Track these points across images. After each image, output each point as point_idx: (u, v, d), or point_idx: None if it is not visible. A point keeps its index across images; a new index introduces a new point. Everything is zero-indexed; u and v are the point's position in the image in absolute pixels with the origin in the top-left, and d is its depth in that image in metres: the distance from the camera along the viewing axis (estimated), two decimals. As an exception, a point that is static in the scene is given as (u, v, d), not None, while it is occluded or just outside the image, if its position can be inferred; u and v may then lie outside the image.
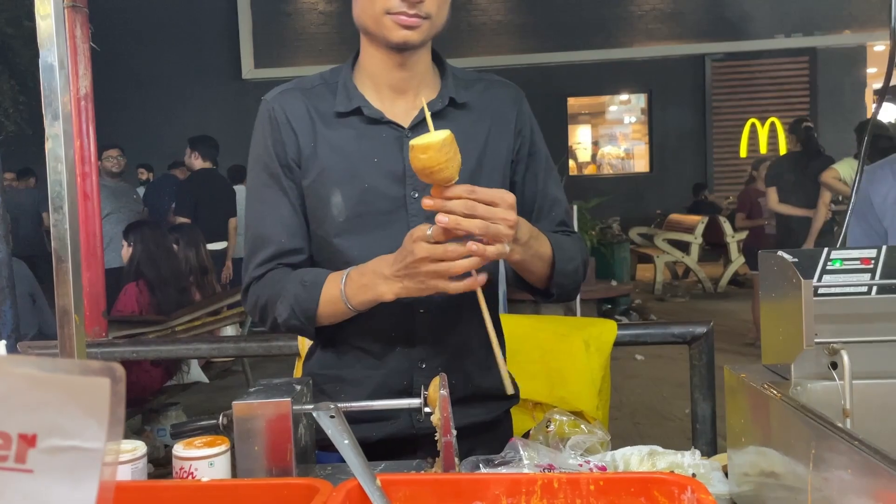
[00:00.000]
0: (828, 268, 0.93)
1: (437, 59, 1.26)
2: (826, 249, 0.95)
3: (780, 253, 0.93)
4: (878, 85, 13.03)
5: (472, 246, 1.00)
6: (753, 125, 11.70)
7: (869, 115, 12.16)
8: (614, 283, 7.05)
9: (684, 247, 8.93)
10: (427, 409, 1.03)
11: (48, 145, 1.12)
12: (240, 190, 6.44)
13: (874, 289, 0.89)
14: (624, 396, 4.95)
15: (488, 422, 1.27)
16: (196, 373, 3.87)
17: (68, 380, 0.37)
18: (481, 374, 1.24)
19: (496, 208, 1.00)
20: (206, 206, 5.78)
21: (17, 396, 0.37)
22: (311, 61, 11.95)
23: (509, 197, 1.01)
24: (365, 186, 1.18)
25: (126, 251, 3.67)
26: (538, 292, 1.26)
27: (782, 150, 11.05)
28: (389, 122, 1.19)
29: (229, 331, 4.36)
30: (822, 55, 11.56)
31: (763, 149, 11.45)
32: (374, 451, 1.11)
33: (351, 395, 1.19)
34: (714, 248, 9.19)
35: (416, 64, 1.20)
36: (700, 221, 8.81)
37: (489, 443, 1.22)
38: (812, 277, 0.90)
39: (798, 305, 0.86)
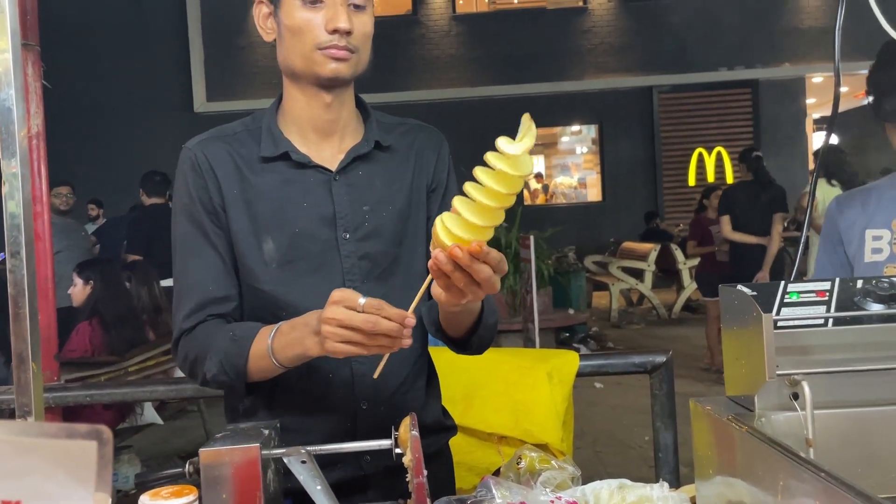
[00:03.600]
0: (786, 301, 0.96)
1: (361, 105, 1.27)
2: (783, 283, 0.99)
3: (739, 287, 0.96)
4: (817, 115, 13.58)
5: (386, 323, 0.94)
6: (701, 154, 12.04)
7: (810, 144, 12.64)
8: (571, 311, 7.11)
9: (638, 274, 9.09)
10: (398, 451, 1.02)
11: (5, 188, 1.09)
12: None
13: (830, 321, 0.92)
14: (585, 425, 4.97)
15: (431, 454, 1.27)
16: (150, 414, 3.77)
17: (54, 444, 0.36)
18: (421, 408, 1.25)
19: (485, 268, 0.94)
20: (158, 242, 5.68)
21: (1, 463, 0.36)
22: (264, 94, 11.92)
23: (504, 265, 0.96)
24: (295, 231, 1.17)
25: (80, 289, 3.58)
26: (455, 343, 1.21)
27: (729, 179, 11.38)
28: (317, 166, 1.19)
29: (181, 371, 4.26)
30: (763, 87, 12.01)
31: (710, 177, 11.77)
32: (380, 483, 1.13)
33: (295, 441, 1.17)
34: (667, 274, 9.37)
35: (342, 106, 1.21)
36: (653, 249, 8.98)
37: (435, 472, 1.21)
38: (771, 311, 0.93)
39: (759, 338, 0.88)
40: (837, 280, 0.98)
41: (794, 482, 0.74)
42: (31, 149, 2.21)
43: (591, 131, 12.79)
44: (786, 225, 5.06)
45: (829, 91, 1.27)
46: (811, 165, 11.63)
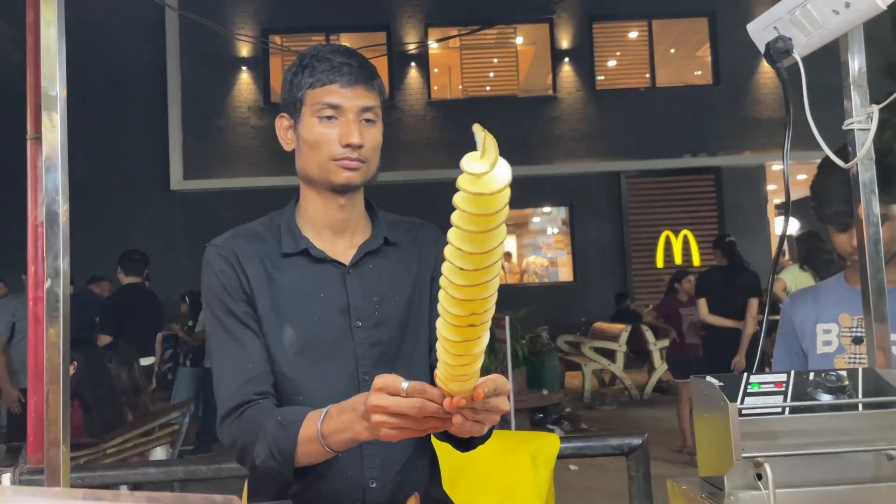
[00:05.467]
0: (748, 391, 1.09)
1: (369, 206, 1.42)
2: (745, 374, 1.12)
3: (708, 378, 1.09)
4: (778, 200, 14.12)
5: (430, 405, 0.97)
6: (668, 237, 12.41)
7: (772, 229, 13.11)
8: (545, 391, 7.18)
9: (609, 354, 9.21)
10: (405, 528, 1.11)
11: (47, 284, 1.20)
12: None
13: (787, 409, 1.05)
14: (560, 508, 4.99)
15: None
16: (126, 496, 3.73)
17: (194, 514, 0.47)
18: (425, 486, 1.35)
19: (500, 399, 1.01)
20: (132, 322, 5.67)
21: (151, 529, 0.47)
22: (240, 173, 12.13)
23: (507, 386, 1.02)
24: (314, 319, 1.29)
25: (65, 371, 3.60)
26: (458, 441, 1.26)
27: (696, 262, 11.72)
28: (332, 261, 1.33)
29: (159, 452, 4.24)
30: (725, 173, 12.51)
31: (678, 259, 12.11)
32: None
33: None
34: (638, 355, 9.50)
35: (353, 207, 1.35)
36: (623, 330, 9.14)
37: None
38: (736, 400, 1.06)
39: (726, 425, 1.01)
40: (792, 373, 1.12)
41: (760, 553, 0.86)
42: (35, 237, 2.31)
43: (561, 212, 13.14)
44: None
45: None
46: (774, 249, 12.02)
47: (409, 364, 1.32)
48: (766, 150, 12.32)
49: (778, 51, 1.30)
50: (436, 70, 12.99)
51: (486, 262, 0.84)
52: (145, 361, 5.74)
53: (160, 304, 6.18)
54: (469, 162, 0.79)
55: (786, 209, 1.41)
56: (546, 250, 13.66)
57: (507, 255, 13.24)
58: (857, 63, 1.28)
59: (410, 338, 1.35)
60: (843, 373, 1.11)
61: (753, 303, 5.42)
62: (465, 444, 1.27)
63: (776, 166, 12.55)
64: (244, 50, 12.17)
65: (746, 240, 11.98)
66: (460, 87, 13.03)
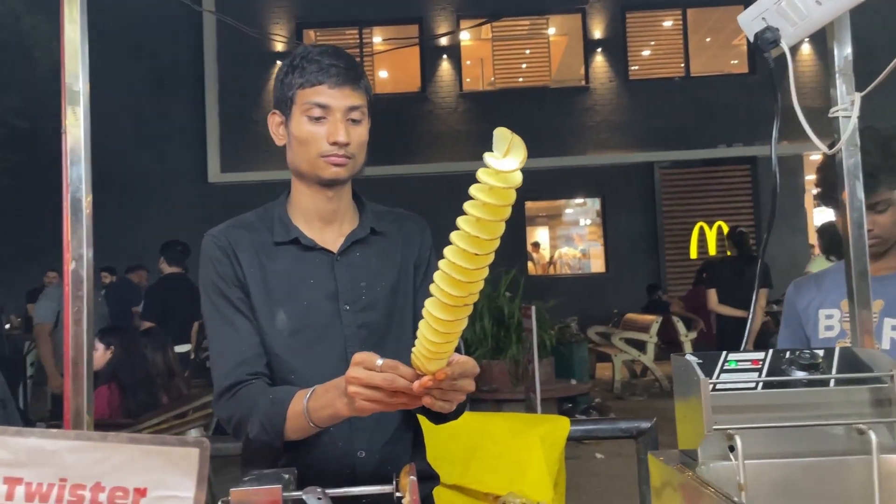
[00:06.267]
0: (725, 368, 1.14)
1: (357, 198, 1.51)
2: (724, 353, 1.17)
3: (686, 356, 1.15)
4: (816, 190, 13.85)
5: (400, 380, 1.05)
6: (702, 228, 12.29)
7: (810, 219, 12.90)
8: (574, 381, 7.21)
9: (640, 345, 9.19)
10: (398, 494, 1.19)
11: (71, 266, 1.30)
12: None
13: (760, 385, 1.10)
14: (585, 495, 5.04)
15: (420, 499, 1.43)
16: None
17: (169, 450, 0.55)
18: (410, 458, 1.44)
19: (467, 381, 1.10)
20: (173, 310, 5.89)
21: (133, 462, 0.55)
22: (275, 166, 12.26)
23: (475, 369, 1.11)
24: (304, 304, 1.38)
25: (101, 354, 3.76)
26: (432, 415, 1.36)
27: (730, 253, 11.60)
28: (322, 249, 1.42)
29: (194, 433, 4.39)
30: (762, 164, 12.33)
31: (712, 251, 11.99)
32: None
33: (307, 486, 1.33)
34: (670, 346, 9.46)
35: (341, 199, 1.45)
36: (654, 321, 9.11)
37: None
38: (710, 376, 1.11)
39: (699, 399, 1.06)
40: (770, 351, 1.17)
41: (721, 516, 0.91)
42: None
43: (595, 203, 13.09)
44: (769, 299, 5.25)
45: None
46: (811, 240, 11.84)
47: (396, 346, 1.39)
48: (803, 140, 11.99)
49: (766, 41, 1.33)
50: (468, 62, 13.02)
51: (493, 248, 0.95)
52: (182, 349, 5.95)
53: (198, 295, 6.36)
54: (495, 159, 0.94)
55: (773, 200, 1.44)
56: (578, 242, 13.63)
57: (536, 246, 13.25)
58: (843, 51, 1.31)
59: (397, 321, 1.43)
60: (819, 351, 1.15)
61: (762, 293, 5.43)
62: (438, 417, 1.36)
63: (814, 156, 12.32)
64: (279, 45, 12.34)
65: (783, 230, 11.84)
66: (492, 78, 13.04)
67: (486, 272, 0.97)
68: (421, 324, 1.03)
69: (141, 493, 0.54)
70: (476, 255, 0.94)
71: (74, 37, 1.30)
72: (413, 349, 1.06)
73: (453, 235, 0.95)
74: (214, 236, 1.42)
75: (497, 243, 0.96)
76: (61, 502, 0.53)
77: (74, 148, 1.30)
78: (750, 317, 1.48)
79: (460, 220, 0.95)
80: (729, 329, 5.60)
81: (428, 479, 1.51)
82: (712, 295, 5.68)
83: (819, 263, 5.24)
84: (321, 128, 1.36)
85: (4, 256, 9.83)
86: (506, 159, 0.95)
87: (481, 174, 0.94)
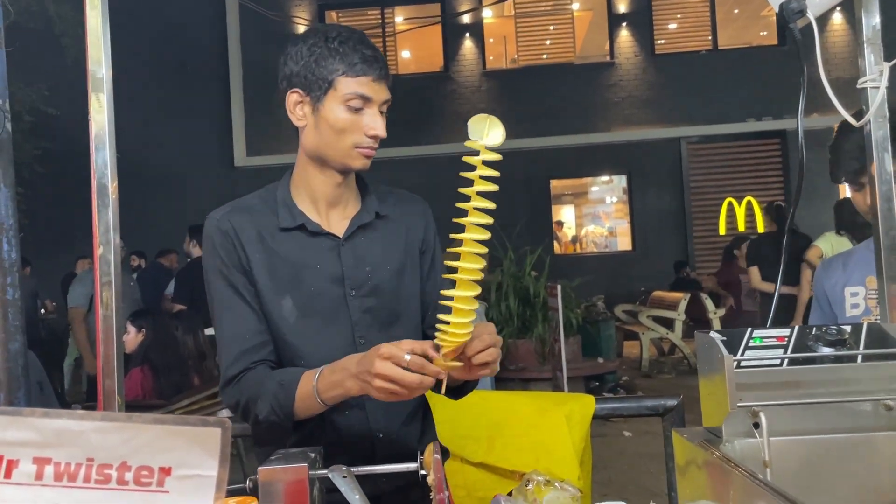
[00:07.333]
0: (750, 345, 1.13)
1: (359, 180, 1.50)
2: (749, 329, 1.16)
3: (710, 333, 1.14)
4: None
5: (428, 379, 1.15)
6: (731, 204, 12.12)
7: (842, 194, 12.66)
8: (601, 360, 7.20)
9: (668, 323, 9.13)
10: (423, 472, 1.20)
11: (99, 251, 1.32)
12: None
13: (785, 361, 1.09)
14: (613, 473, 5.05)
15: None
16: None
17: (192, 430, 0.56)
18: (422, 436, 1.47)
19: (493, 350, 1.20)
20: (203, 293, 5.95)
21: (158, 442, 0.57)
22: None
23: (496, 338, 1.21)
24: (311, 290, 1.38)
25: (133, 337, 3.83)
26: (450, 391, 1.38)
27: (760, 229, 11.43)
28: (327, 234, 1.42)
29: (224, 413, 4.47)
30: (792, 137, 12.09)
31: (741, 227, 11.82)
32: (391, 499, 1.33)
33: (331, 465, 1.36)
34: (697, 324, 9.38)
35: (348, 184, 1.45)
36: (682, 298, 9.04)
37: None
38: (735, 353, 1.10)
39: (723, 376, 1.05)
40: (797, 328, 1.15)
41: (743, 494, 0.91)
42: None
43: (621, 181, 12.97)
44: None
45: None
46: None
47: (403, 328, 1.42)
48: (834, 112, 11.76)
49: (791, 11, 1.30)
50: (491, 40, 12.90)
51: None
52: (211, 331, 6.03)
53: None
54: (484, 137, 1.12)
55: (799, 174, 1.42)
56: (605, 219, 13.53)
57: (559, 225, 13.18)
58: (871, 21, 1.28)
59: (403, 304, 1.44)
60: (847, 327, 1.14)
61: (806, 267, 5.32)
62: (457, 393, 1.41)
63: (846, 128, 12.06)
64: (301, 27, 12.33)
65: (814, 205, 11.58)
66: (515, 56, 12.92)
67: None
68: (443, 308, 1.12)
69: (166, 472, 0.55)
70: (488, 227, 1.11)
71: (96, 24, 1.32)
72: (438, 335, 1.14)
73: (469, 218, 1.10)
74: (217, 220, 1.41)
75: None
76: (89, 481, 0.55)
77: (99, 134, 1.32)
78: (773, 293, 1.45)
79: (471, 204, 1.11)
80: (771, 305, 5.50)
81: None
82: (754, 272, 5.57)
83: (828, 239, 5.13)
84: (359, 118, 1.35)
85: (39, 243, 10.02)
86: (489, 136, 1.12)
87: (485, 156, 1.12)
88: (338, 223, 1.44)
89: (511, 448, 2.15)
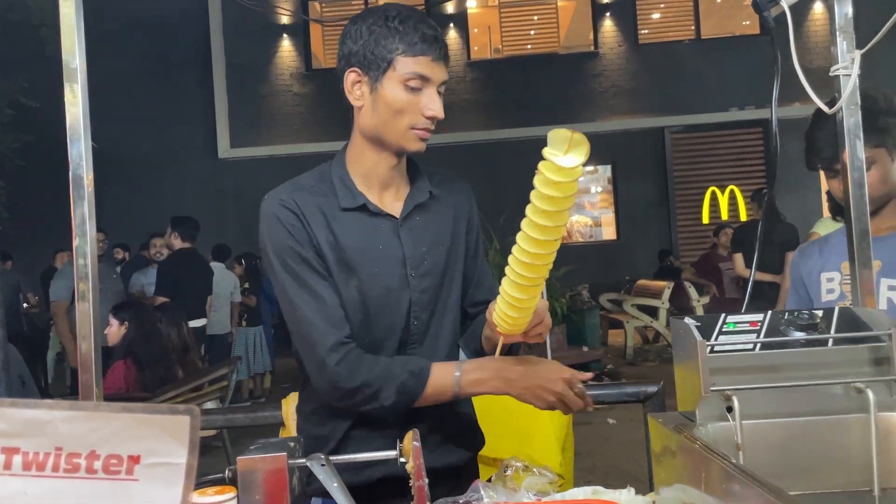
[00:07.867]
0: (724, 330, 1.15)
1: (409, 161, 1.48)
2: (723, 315, 1.17)
3: (685, 319, 1.15)
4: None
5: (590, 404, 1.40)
6: (714, 193, 12.19)
7: (822, 182, 12.74)
8: (585, 348, 7.24)
9: (653, 311, 9.19)
10: (402, 459, 1.21)
11: (76, 243, 1.31)
12: (216, 267, 6.69)
13: (758, 346, 1.11)
14: (597, 460, 5.09)
15: (459, 466, 1.53)
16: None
17: (161, 418, 0.57)
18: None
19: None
20: (187, 285, 5.94)
21: (127, 430, 0.57)
22: (285, 140, 12.31)
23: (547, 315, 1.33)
24: (375, 271, 1.38)
25: (116, 330, 3.81)
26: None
27: (742, 217, 11.51)
28: (387, 215, 1.42)
29: (209, 405, 4.46)
30: (774, 126, 12.14)
31: (724, 215, 11.91)
32: (373, 491, 1.34)
33: (352, 449, 1.38)
34: (681, 312, 9.45)
35: (402, 164, 1.45)
36: (666, 287, 9.10)
37: (461, 486, 1.40)
38: (708, 338, 1.11)
39: (697, 361, 1.07)
40: (769, 313, 1.17)
41: (716, 475, 0.92)
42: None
43: (606, 170, 13.01)
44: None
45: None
46: (825, 202, 11.71)
47: (444, 307, 1.45)
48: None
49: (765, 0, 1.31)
50: (475, 30, 12.88)
51: (560, 235, 1.12)
52: (197, 324, 6.01)
53: (211, 270, 6.46)
54: (556, 156, 1.07)
55: (773, 160, 1.43)
56: (590, 209, 13.57)
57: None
58: (844, 9, 1.29)
59: (448, 284, 1.46)
60: (819, 312, 1.15)
61: (791, 256, 5.35)
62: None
63: (828, 117, 12.15)
64: (284, 17, 12.25)
65: (797, 194, 11.71)
66: (500, 46, 12.90)
67: (554, 255, 1.14)
68: (500, 301, 1.22)
69: (135, 460, 0.56)
70: (545, 240, 1.10)
71: (70, 13, 1.30)
72: (500, 322, 1.25)
73: (524, 223, 1.11)
74: (283, 199, 1.37)
75: (564, 230, 1.12)
76: (58, 470, 0.55)
77: (73, 125, 1.31)
78: (759, 280, 1.47)
79: (531, 213, 1.11)
80: (759, 293, 5.54)
81: (469, 448, 1.65)
82: (738, 259, 5.60)
83: (825, 224, 5.18)
84: (418, 99, 1.33)
85: (20, 237, 9.92)
86: (567, 156, 1.06)
87: (543, 169, 1.07)
88: (391, 204, 1.44)
89: (493, 436, 2.15)
